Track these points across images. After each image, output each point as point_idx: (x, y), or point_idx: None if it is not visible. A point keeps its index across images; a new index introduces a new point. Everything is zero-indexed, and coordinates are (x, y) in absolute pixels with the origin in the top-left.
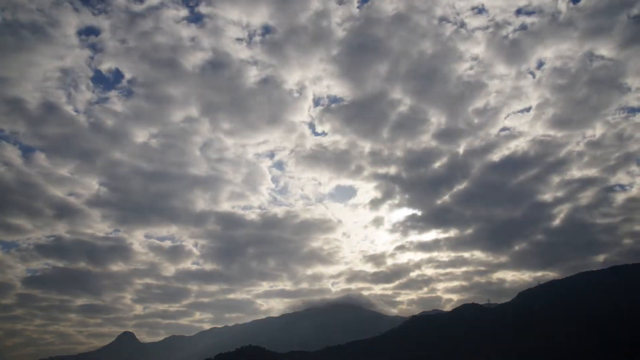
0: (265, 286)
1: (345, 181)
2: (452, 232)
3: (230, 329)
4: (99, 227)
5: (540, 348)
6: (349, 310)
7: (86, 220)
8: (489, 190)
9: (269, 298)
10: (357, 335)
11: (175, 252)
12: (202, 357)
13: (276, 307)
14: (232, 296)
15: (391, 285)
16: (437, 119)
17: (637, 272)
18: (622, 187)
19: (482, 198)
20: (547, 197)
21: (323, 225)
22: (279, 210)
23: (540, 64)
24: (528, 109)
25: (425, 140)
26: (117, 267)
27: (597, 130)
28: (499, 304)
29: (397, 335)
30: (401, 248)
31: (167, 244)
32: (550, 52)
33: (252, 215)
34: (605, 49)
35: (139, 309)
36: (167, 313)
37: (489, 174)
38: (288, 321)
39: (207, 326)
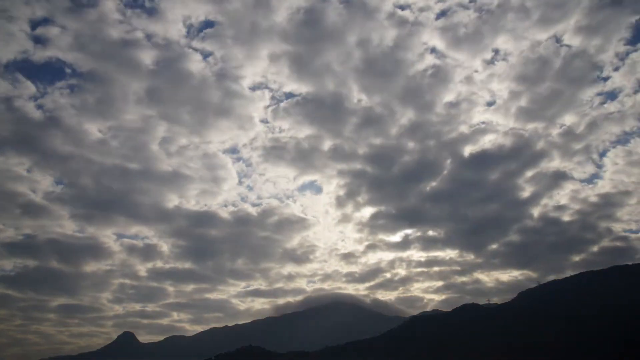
0: (240, 286)
1: (310, 178)
2: (425, 231)
3: (230, 329)
4: (66, 225)
5: (541, 348)
6: (349, 310)
7: (52, 218)
8: (462, 187)
9: (245, 298)
10: (357, 335)
11: (147, 251)
12: (202, 357)
13: (255, 307)
14: (208, 296)
15: (366, 285)
16: (401, 113)
17: (637, 272)
18: (597, 178)
19: (454, 195)
20: (523, 193)
21: (292, 223)
22: (247, 208)
23: (502, 53)
24: (494, 102)
25: (391, 135)
26: (89, 266)
27: (567, 121)
28: (499, 304)
29: (397, 335)
30: (372, 247)
31: (137, 242)
32: (512, 41)
33: (220, 213)
34: (568, 36)
35: (118, 309)
36: (145, 313)
37: (461, 170)
38: (288, 321)
39: (187, 327)
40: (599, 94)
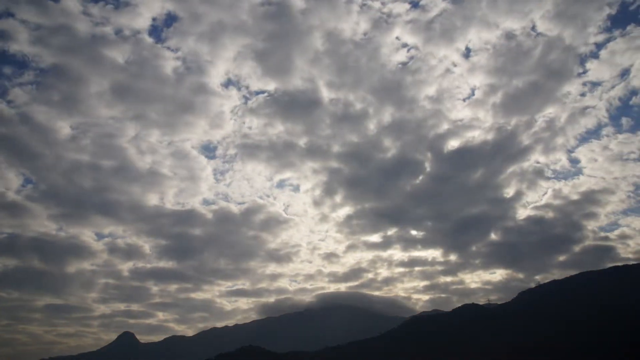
0: (224, 285)
1: (286, 176)
2: (407, 230)
3: (230, 329)
4: (45, 224)
5: (541, 348)
6: (349, 310)
7: (29, 217)
8: (443, 185)
9: (229, 298)
10: (357, 335)
11: (128, 251)
12: (202, 357)
13: (241, 307)
14: (192, 295)
15: (348, 284)
16: (377, 109)
17: (637, 272)
18: (578, 174)
19: (435, 194)
20: (505, 190)
21: (272, 222)
22: (226, 207)
23: (478, 45)
24: (473, 96)
25: (368, 132)
26: (72, 266)
27: (548, 115)
28: (499, 304)
29: (397, 335)
30: (354, 247)
31: (117, 242)
32: (486, 31)
33: (199, 212)
34: (541, 25)
35: (103, 309)
36: (131, 313)
37: (441, 168)
38: (288, 321)
39: (174, 326)
40: (580, 85)
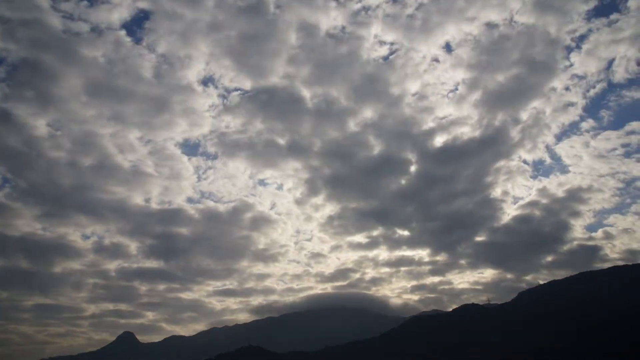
0: (211, 285)
1: (269, 174)
2: (394, 230)
3: (230, 329)
4: (29, 223)
5: (541, 348)
6: (349, 310)
7: (11, 216)
8: (430, 183)
9: (217, 297)
10: (357, 335)
11: (113, 250)
12: (202, 357)
13: (230, 307)
14: (181, 295)
15: (335, 284)
16: (359, 106)
17: (637, 272)
18: (564, 171)
19: (422, 192)
20: (492, 188)
21: (258, 221)
22: (210, 206)
23: (457, 39)
24: (456, 91)
25: (351, 130)
26: (58, 265)
27: (532, 111)
28: (499, 304)
29: (397, 335)
30: (339, 246)
31: (102, 241)
32: (467, 24)
33: (184, 211)
34: (521, 15)
35: (92, 308)
36: (120, 313)
37: (428, 166)
38: (288, 321)
39: (165, 326)
40: (563, 79)
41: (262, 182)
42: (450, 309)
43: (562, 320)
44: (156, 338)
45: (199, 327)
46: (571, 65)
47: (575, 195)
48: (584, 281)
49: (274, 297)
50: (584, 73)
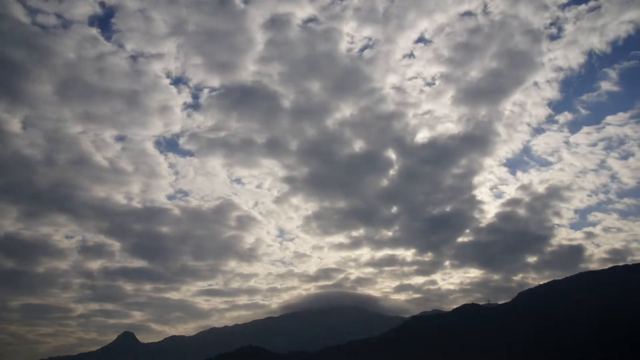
0: (197, 285)
1: (247, 173)
2: (378, 230)
3: (230, 329)
4: (9, 223)
5: (541, 348)
6: (349, 310)
7: None
8: (413, 181)
9: (203, 297)
10: (357, 335)
11: (97, 250)
12: (202, 357)
13: (218, 306)
14: (166, 295)
15: (320, 284)
16: (337, 104)
17: (637, 272)
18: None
19: (405, 191)
20: (475, 186)
21: (237, 220)
22: (190, 204)
23: (432, 32)
24: (433, 85)
25: (329, 127)
26: (43, 265)
27: (513, 104)
28: (499, 303)
29: (397, 335)
30: (322, 247)
31: (84, 240)
32: (441, 14)
33: (165, 209)
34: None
35: (80, 308)
36: (108, 313)
37: (410, 164)
38: (288, 321)
39: (154, 326)
40: (542, 70)
41: (239, 181)
42: (446, 310)
43: (562, 320)
44: (154, 338)
45: (188, 327)
46: (549, 52)
47: (556, 193)
48: (584, 281)
49: (258, 297)
50: (563, 64)
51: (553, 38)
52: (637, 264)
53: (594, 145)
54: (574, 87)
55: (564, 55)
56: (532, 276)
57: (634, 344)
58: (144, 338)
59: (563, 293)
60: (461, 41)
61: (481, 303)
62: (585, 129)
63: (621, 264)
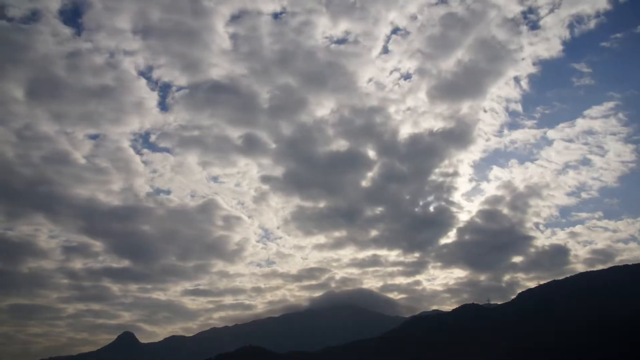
0: (181, 285)
1: (223, 171)
2: (362, 229)
3: (230, 329)
4: None
5: (541, 348)
6: (349, 310)
7: None
8: (395, 180)
9: (187, 297)
10: (357, 335)
11: (79, 250)
12: (202, 357)
13: (205, 306)
14: (154, 295)
15: (304, 284)
16: (314, 100)
17: (637, 272)
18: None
19: (387, 190)
20: (458, 184)
21: (221, 219)
22: (169, 203)
23: (406, 24)
24: (410, 78)
25: (308, 125)
26: (28, 265)
27: (494, 96)
28: (499, 304)
29: (398, 335)
30: (306, 247)
31: (69, 240)
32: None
33: (145, 208)
34: None
35: (68, 308)
36: (96, 313)
37: (392, 162)
38: (288, 321)
39: (144, 326)
40: (521, 60)
41: (216, 179)
42: (448, 310)
43: (562, 320)
44: (155, 338)
45: (175, 327)
46: (527, 48)
47: (536, 191)
48: (584, 281)
49: (242, 297)
50: (543, 55)
51: (531, 27)
52: (637, 264)
53: (572, 141)
54: (551, 79)
55: (542, 47)
56: (520, 276)
57: (634, 344)
58: (145, 338)
59: (563, 293)
60: (435, 32)
61: (481, 303)
62: (562, 124)
63: (621, 264)
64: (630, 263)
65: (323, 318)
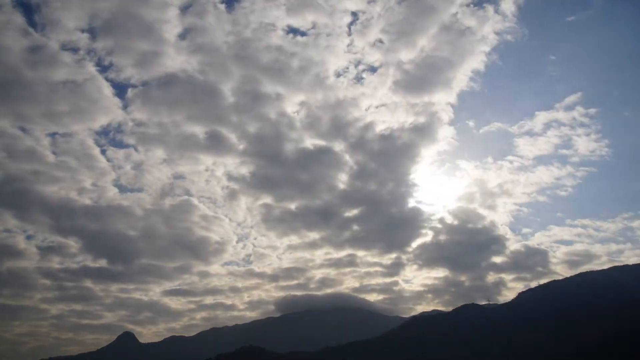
0: (162, 285)
1: (193, 169)
2: (338, 229)
3: (231, 329)
4: None
5: (540, 348)
6: (349, 310)
7: None
8: (368, 179)
9: (167, 297)
10: (357, 335)
11: (54, 250)
12: (202, 357)
13: (187, 307)
14: (136, 296)
15: (281, 285)
16: (277, 95)
17: (637, 271)
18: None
19: (361, 189)
20: (433, 181)
21: (195, 218)
22: (137, 200)
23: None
24: (375, 71)
25: (274, 120)
26: (6, 266)
27: (465, 87)
28: (498, 304)
29: (398, 335)
30: (281, 247)
31: (46, 240)
32: None
33: (116, 206)
34: None
35: (51, 309)
36: (80, 314)
37: (365, 159)
38: (288, 321)
39: (136, 328)
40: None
41: (182, 177)
42: (451, 309)
43: (562, 320)
44: (159, 338)
45: (159, 327)
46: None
47: (506, 190)
48: (583, 281)
49: (220, 298)
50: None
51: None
52: (637, 264)
53: (544, 134)
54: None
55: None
56: (502, 276)
57: (634, 344)
58: (145, 339)
59: (563, 293)
60: (398, 19)
61: (481, 303)
62: (538, 113)
63: (620, 264)
64: (630, 263)
65: (323, 318)
